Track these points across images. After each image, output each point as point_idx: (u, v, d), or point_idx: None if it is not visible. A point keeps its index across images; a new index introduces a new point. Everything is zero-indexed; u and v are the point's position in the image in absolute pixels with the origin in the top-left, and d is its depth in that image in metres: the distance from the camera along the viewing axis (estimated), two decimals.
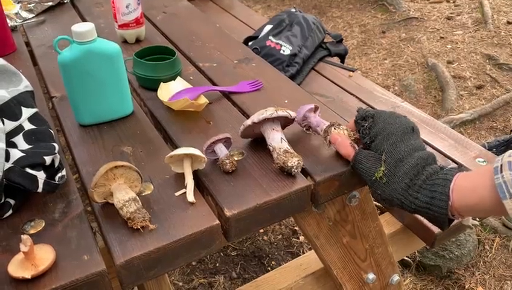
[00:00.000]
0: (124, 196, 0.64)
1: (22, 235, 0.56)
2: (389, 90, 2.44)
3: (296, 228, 1.77)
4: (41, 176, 0.67)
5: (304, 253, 1.69)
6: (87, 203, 0.72)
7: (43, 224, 0.65)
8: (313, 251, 1.10)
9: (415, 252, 1.57)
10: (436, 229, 1.11)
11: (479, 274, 1.54)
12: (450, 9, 3.24)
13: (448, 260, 1.55)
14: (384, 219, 1.22)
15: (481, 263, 1.58)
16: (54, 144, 0.74)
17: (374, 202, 0.93)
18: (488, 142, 1.88)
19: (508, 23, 2.98)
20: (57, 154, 0.72)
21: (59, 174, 0.71)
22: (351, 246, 0.94)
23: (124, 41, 1.18)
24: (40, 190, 0.66)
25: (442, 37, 2.91)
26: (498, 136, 2.10)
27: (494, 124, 2.19)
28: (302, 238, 1.73)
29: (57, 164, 0.72)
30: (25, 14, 1.33)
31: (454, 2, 3.33)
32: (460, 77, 2.52)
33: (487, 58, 2.65)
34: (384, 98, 1.61)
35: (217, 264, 1.63)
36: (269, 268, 1.62)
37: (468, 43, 2.82)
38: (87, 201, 0.73)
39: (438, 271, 1.55)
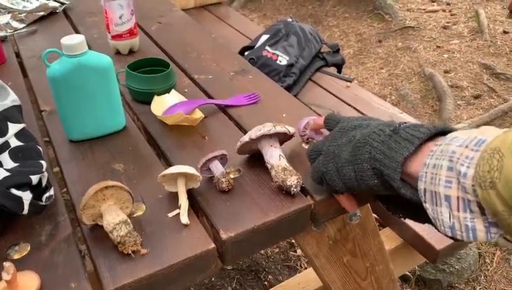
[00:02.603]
0: (114, 218, 0.61)
1: (4, 263, 0.53)
2: (386, 100, 2.43)
3: (294, 241, 1.73)
4: (26, 197, 0.63)
5: (301, 267, 1.66)
6: (74, 220, 0.68)
7: (29, 248, 0.62)
8: (311, 268, 1.07)
9: (414, 266, 1.54)
10: (438, 246, 1.08)
11: (480, 289, 1.51)
12: (446, 19, 3.24)
13: (448, 274, 1.52)
14: (384, 235, 1.19)
15: (482, 277, 1.55)
16: (42, 161, 0.71)
17: (373, 214, 0.91)
18: None
19: (504, 32, 2.98)
20: (45, 172, 0.69)
21: (46, 194, 0.67)
22: (351, 265, 0.91)
23: (117, 53, 1.15)
24: (25, 212, 0.62)
25: (439, 46, 2.90)
26: None
27: None
28: (299, 251, 1.70)
29: (44, 183, 0.68)
30: (15, 24, 1.30)
31: (450, 11, 3.33)
32: (458, 86, 2.51)
33: (484, 68, 2.64)
34: (382, 109, 1.59)
35: (213, 279, 1.59)
36: (266, 283, 1.58)
37: (464, 53, 2.81)
38: (74, 220, 0.69)
39: (438, 285, 1.52)
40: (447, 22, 3.18)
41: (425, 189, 0.48)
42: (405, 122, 0.57)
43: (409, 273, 1.55)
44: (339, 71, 1.91)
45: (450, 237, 0.48)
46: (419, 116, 2.31)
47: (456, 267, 1.53)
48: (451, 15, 3.28)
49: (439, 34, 3.05)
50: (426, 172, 0.48)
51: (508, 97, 2.38)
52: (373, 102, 1.65)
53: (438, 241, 1.08)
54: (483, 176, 0.41)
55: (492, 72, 2.59)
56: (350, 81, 1.76)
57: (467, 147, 0.44)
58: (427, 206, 0.49)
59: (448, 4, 3.43)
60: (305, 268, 1.64)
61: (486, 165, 0.41)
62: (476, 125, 2.18)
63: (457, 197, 0.45)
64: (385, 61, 2.83)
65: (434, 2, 3.49)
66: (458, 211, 0.45)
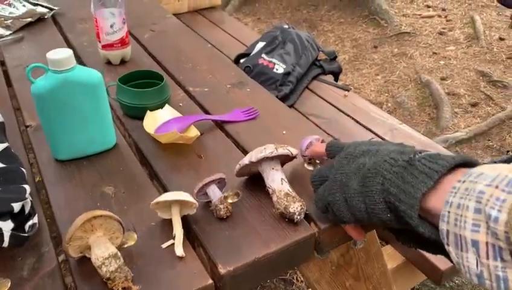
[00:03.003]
0: (103, 252, 0.56)
1: None
2: (382, 107, 2.40)
3: None
4: (7, 227, 0.58)
5: (297, 280, 1.61)
6: (58, 241, 0.63)
7: (9, 284, 0.56)
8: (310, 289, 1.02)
9: (416, 284, 1.50)
10: (442, 266, 1.04)
11: None
12: (442, 24, 3.22)
13: (448, 289, 1.48)
14: (386, 253, 1.15)
15: None
16: (25, 186, 0.65)
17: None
18: (485, 164, 1.84)
19: (500, 39, 2.96)
20: (28, 199, 0.64)
21: (29, 223, 0.62)
22: (353, 289, 0.86)
23: (108, 63, 1.09)
24: (5, 244, 0.57)
25: (435, 53, 2.88)
26: (494, 156, 2.06)
27: (490, 143, 2.14)
28: None
29: (27, 210, 0.63)
30: (1, 31, 1.24)
31: (446, 17, 3.31)
32: (455, 93, 2.48)
33: (481, 75, 2.62)
34: (382, 120, 1.55)
35: None
36: None
37: (461, 59, 2.79)
38: (61, 248, 0.64)
39: None
40: (443, 28, 3.15)
41: (448, 231, 0.44)
42: (420, 152, 0.52)
43: None
44: (336, 79, 1.87)
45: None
46: (416, 125, 2.27)
47: (456, 281, 1.49)
48: (446, 21, 3.26)
49: (435, 40, 3.03)
50: (449, 212, 0.44)
51: (506, 105, 2.36)
52: (371, 112, 1.61)
53: (442, 261, 1.04)
54: None
55: (489, 80, 2.56)
56: (348, 90, 1.72)
57: (497, 187, 0.40)
58: (450, 249, 0.44)
59: (443, 10, 3.42)
60: (301, 281, 1.59)
61: None
62: (474, 134, 2.15)
63: (486, 243, 0.40)
64: (381, 68, 2.80)
65: (429, 7, 3.47)
66: (487, 258, 0.40)
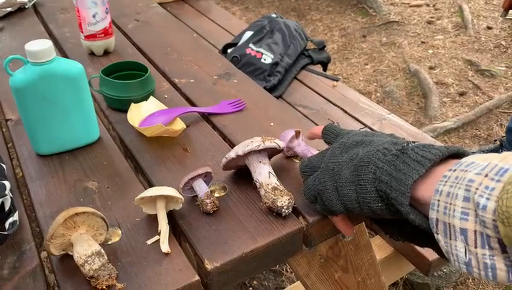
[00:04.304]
0: (86, 250, 0.54)
1: None
2: (370, 97, 2.40)
3: None
4: None
5: (286, 271, 1.61)
6: (41, 246, 0.62)
7: None
8: (299, 282, 1.02)
9: (405, 274, 1.51)
10: (430, 256, 1.04)
11: None
12: (430, 13, 3.21)
13: (436, 278, 1.49)
14: (374, 243, 1.15)
15: (470, 280, 1.53)
16: (5, 182, 0.63)
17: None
18: (472, 152, 1.84)
19: (488, 28, 2.96)
20: (8, 195, 0.62)
21: (10, 220, 0.60)
22: (342, 281, 0.86)
23: (91, 54, 1.07)
24: None
25: (423, 42, 2.87)
26: (482, 145, 2.07)
27: (478, 132, 2.15)
28: None
29: (7, 207, 0.61)
30: None
31: (434, 5, 3.30)
32: (443, 83, 2.48)
33: (469, 64, 2.62)
34: (370, 110, 1.54)
35: None
36: (250, 288, 1.53)
37: (449, 48, 2.79)
38: (42, 246, 0.62)
39: (426, 289, 1.49)
40: (431, 17, 3.15)
41: (437, 219, 0.43)
42: (413, 142, 0.51)
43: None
44: (325, 69, 1.86)
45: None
46: (404, 114, 2.27)
47: (444, 270, 1.50)
48: (435, 9, 3.26)
49: (424, 29, 3.02)
50: (439, 200, 0.43)
51: (493, 94, 2.37)
52: (360, 102, 1.60)
53: (431, 251, 1.04)
54: (507, 211, 0.36)
55: (477, 69, 2.57)
56: (337, 81, 1.71)
57: (486, 175, 0.39)
58: (439, 238, 0.44)
59: None
60: (291, 272, 1.59)
61: (511, 199, 0.36)
62: (462, 123, 2.16)
63: (475, 231, 0.40)
64: (369, 57, 2.79)
65: None
66: (476, 247, 0.40)
